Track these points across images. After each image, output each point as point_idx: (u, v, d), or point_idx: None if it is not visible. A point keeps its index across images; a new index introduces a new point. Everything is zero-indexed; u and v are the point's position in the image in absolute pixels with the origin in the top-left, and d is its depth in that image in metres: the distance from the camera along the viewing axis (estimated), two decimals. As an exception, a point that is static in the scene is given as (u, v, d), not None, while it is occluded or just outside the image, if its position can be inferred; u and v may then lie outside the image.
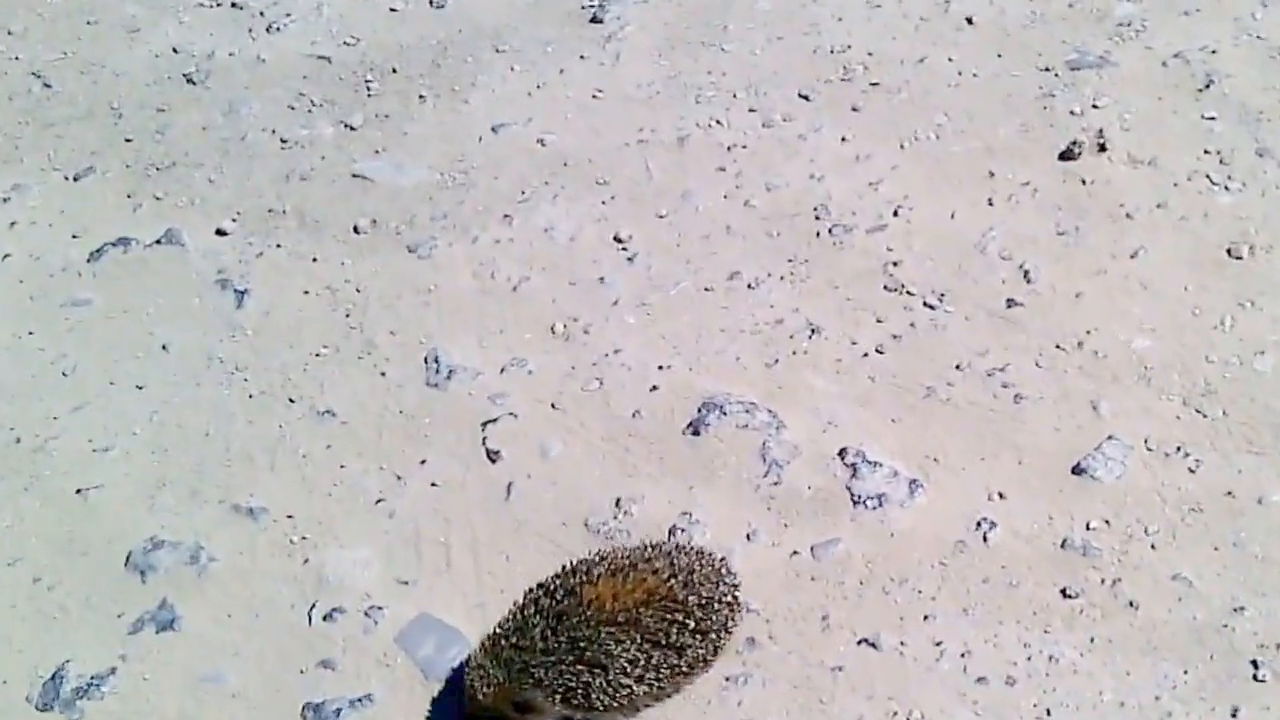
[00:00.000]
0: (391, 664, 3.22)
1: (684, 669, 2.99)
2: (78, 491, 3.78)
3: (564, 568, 3.09)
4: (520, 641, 2.95)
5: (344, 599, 3.38)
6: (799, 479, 3.53)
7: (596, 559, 3.10)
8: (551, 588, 3.02)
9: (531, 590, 3.07)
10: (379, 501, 3.63)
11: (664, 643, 2.95)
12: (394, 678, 3.19)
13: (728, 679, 3.09)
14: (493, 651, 2.96)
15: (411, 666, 3.21)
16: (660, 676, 2.96)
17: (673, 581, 3.00)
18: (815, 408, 3.74)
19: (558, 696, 2.92)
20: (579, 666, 2.91)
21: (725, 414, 3.71)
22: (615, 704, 2.94)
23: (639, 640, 2.94)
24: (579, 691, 2.91)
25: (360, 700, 3.14)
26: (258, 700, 3.19)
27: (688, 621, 2.98)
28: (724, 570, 3.11)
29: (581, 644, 2.91)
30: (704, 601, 3.02)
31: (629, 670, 2.92)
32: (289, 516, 3.62)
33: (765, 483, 3.53)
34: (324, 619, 3.34)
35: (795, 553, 3.35)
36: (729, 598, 3.08)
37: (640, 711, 3.02)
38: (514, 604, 3.05)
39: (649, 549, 3.11)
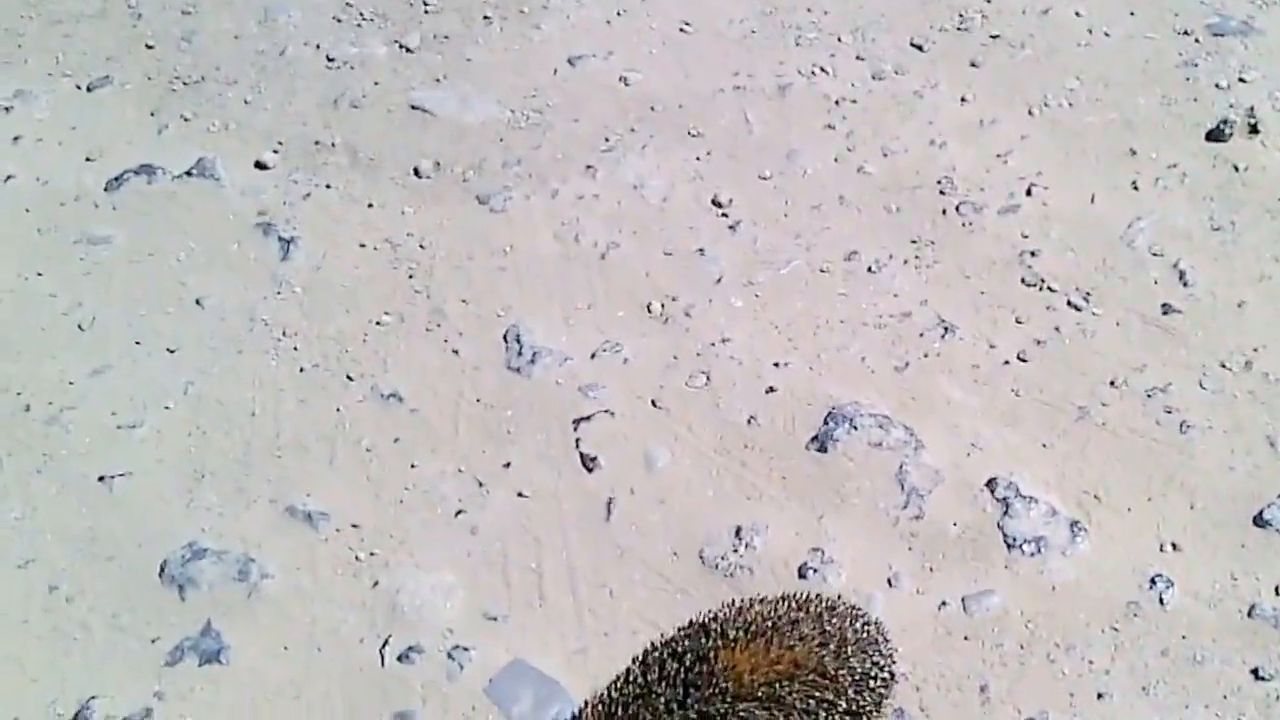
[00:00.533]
0: (482, 721, 2.71)
1: (830, 755, 2.51)
2: (100, 479, 3.20)
3: (692, 624, 2.58)
4: (642, 714, 2.44)
5: (422, 635, 2.85)
6: (943, 513, 3.02)
7: (732, 614, 2.58)
8: (679, 650, 2.51)
9: (655, 649, 2.55)
10: (459, 513, 3.08)
11: (812, 725, 2.46)
12: (486, 740, 2.69)
13: (877, 761, 2.60)
14: None
15: (506, 726, 2.70)
16: (803, 762, 2.47)
17: (823, 652, 2.49)
18: (955, 424, 3.21)
19: None
20: (710, 748, 2.41)
21: (856, 428, 3.18)
22: (748, 792, 2.45)
23: (781, 719, 2.44)
24: None
25: (448, 768, 2.64)
26: (325, 759, 2.68)
27: (838, 701, 2.48)
28: (881, 638, 2.61)
29: (716, 721, 2.41)
30: (859, 677, 2.51)
31: (767, 754, 2.43)
32: (354, 526, 3.07)
33: (905, 515, 3.02)
34: (399, 659, 2.81)
35: (944, 604, 2.85)
36: (886, 671, 2.58)
37: (776, 800, 2.52)
38: (632, 663, 2.53)
39: (793, 605, 2.59)
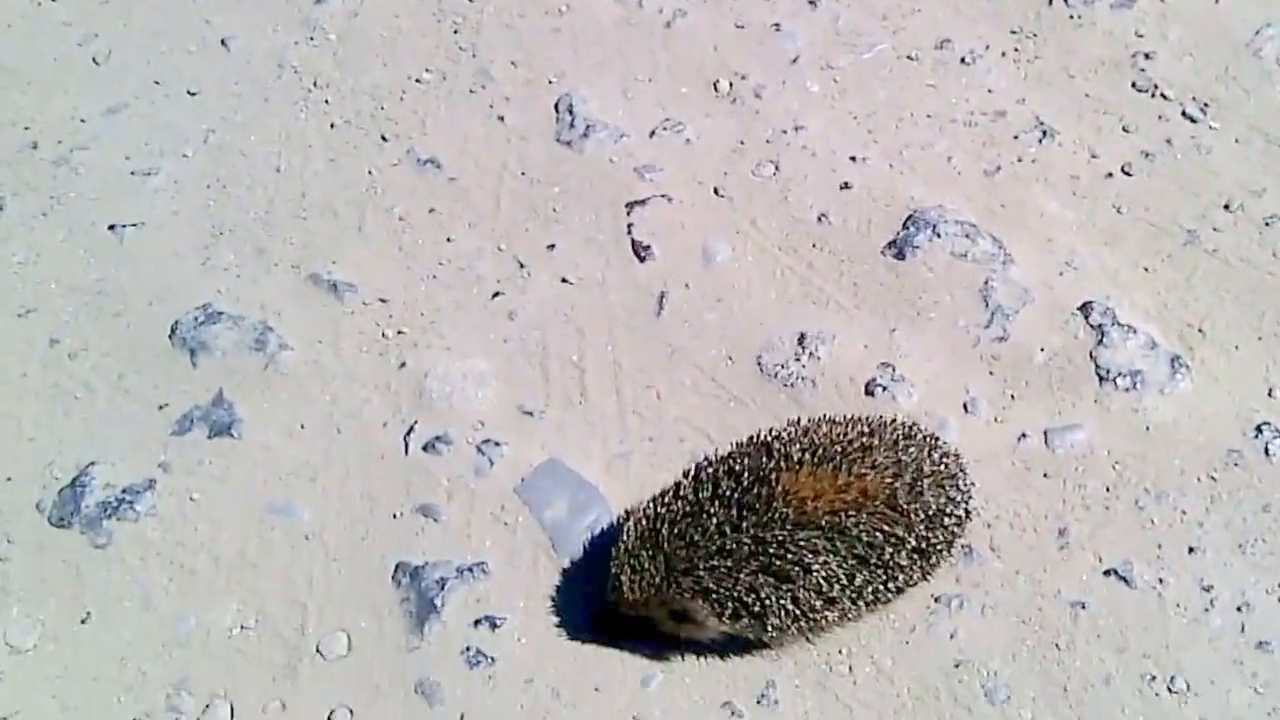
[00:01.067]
0: (510, 523, 2.45)
1: (890, 593, 2.24)
2: (111, 228, 2.88)
3: (753, 441, 2.29)
4: (690, 534, 2.16)
5: (450, 425, 2.57)
6: (1030, 336, 2.68)
7: (797, 434, 2.28)
8: (737, 468, 2.22)
9: (709, 465, 2.27)
10: (496, 295, 2.76)
11: (873, 561, 2.19)
12: (513, 543, 2.43)
13: (937, 599, 2.35)
14: (652, 540, 2.18)
15: (536, 530, 2.44)
16: (859, 600, 2.21)
17: (896, 484, 2.20)
18: (1048, 239, 2.84)
19: (726, 611, 2.17)
20: (761, 578, 2.14)
21: (938, 235, 2.81)
22: (794, 628, 2.19)
23: (843, 554, 2.17)
24: (754, 608, 2.15)
25: (470, 570, 2.39)
26: (338, 549, 2.44)
27: (907, 538, 2.20)
28: (960, 472, 2.31)
29: (770, 550, 2.13)
30: (932, 513, 2.23)
31: (822, 589, 2.16)
32: (382, 300, 2.76)
33: (987, 336, 2.68)
34: (424, 449, 2.54)
35: (1024, 436, 2.54)
36: (962, 509, 2.30)
37: (819, 635, 2.28)
38: (683, 477, 2.25)
39: (865, 430, 2.29)
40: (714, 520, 2.15)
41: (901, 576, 2.21)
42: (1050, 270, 2.77)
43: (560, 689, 2.25)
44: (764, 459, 2.21)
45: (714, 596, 2.15)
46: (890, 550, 2.18)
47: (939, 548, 2.24)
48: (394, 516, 2.46)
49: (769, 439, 2.26)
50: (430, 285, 2.76)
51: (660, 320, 2.71)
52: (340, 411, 2.59)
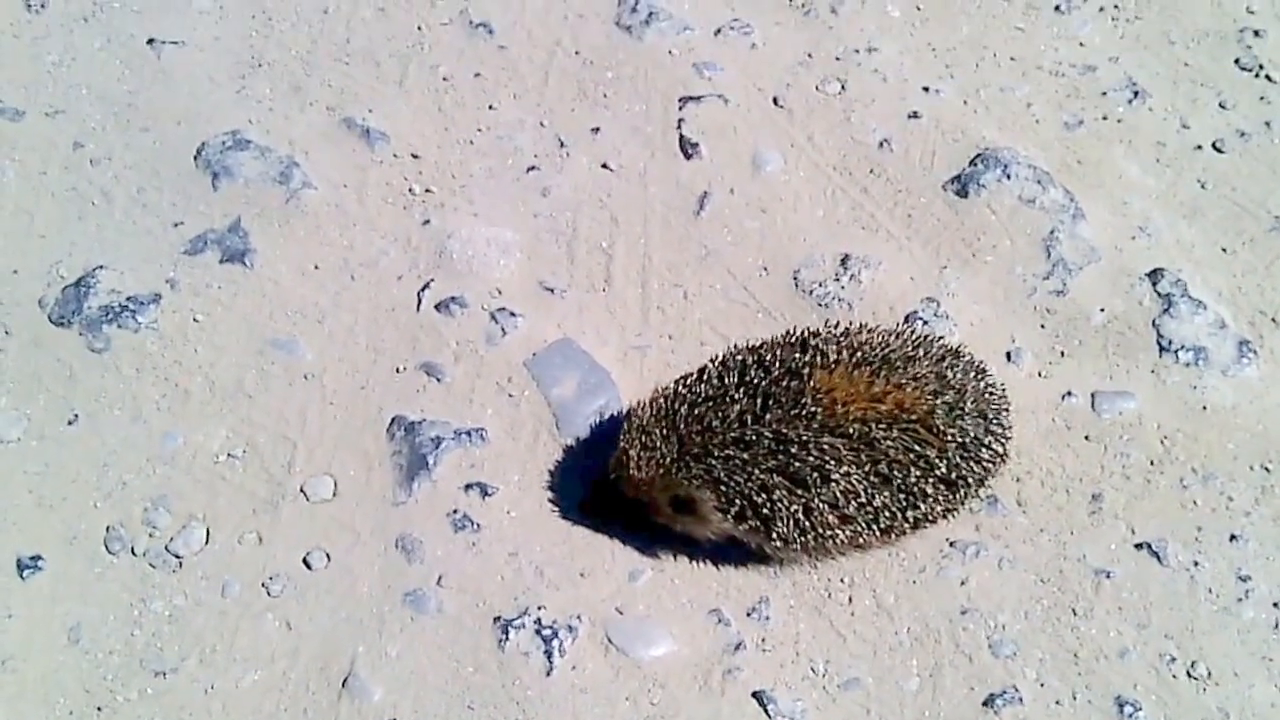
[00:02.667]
0: (515, 395, 2.32)
1: (906, 524, 2.07)
2: (150, 42, 2.76)
3: (789, 334, 2.12)
4: (709, 419, 2.03)
5: (468, 288, 2.44)
6: (1090, 295, 2.52)
7: (836, 335, 2.13)
8: (768, 359, 2.07)
9: (739, 352, 2.11)
10: (531, 170, 2.62)
11: (897, 482, 2.03)
12: (516, 415, 2.29)
13: (952, 543, 2.20)
14: (668, 419, 2.07)
15: (541, 405, 2.30)
16: (875, 524, 2.05)
17: (936, 403, 2.04)
18: (1124, 202, 2.67)
19: (732, 509, 2.02)
20: (776, 478, 2.00)
21: (1008, 177, 2.64)
22: (800, 542, 2.04)
23: (866, 468, 2.02)
24: (763, 510, 2.02)
25: (469, 434, 2.26)
26: (336, 393, 2.32)
27: (937, 463, 2.05)
28: (1005, 407, 2.15)
29: (790, 448, 2.00)
30: (969, 442, 2.09)
31: (838, 504, 2.02)
32: (414, 156, 2.62)
33: (1045, 288, 2.51)
34: (437, 308, 2.41)
35: (1069, 395, 2.38)
36: (1000, 445, 2.12)
37: (825, 558, 2.11)
38: (710, 362, 2.10)
39: (910, 342, 2.12)
40: (736, 408, 2.01)
41: (923, 507, 2.06)
42: (1122, 233, 2.60)
43: (544, 568, 2.12)
44: (798, 354, 2.06)
45: (723, 489, 2.02)
46: (917, 474, 2.03)
47: (969, 482, 2.10)
48: (397, 370, 2.32)
49: (806, 335, 2.09)
50: (466, 150, 2.62)
51: (698, 220, 2.55)
52: (356, 258, 2.45)
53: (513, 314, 2.42)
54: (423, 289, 2.44)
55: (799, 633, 2.10)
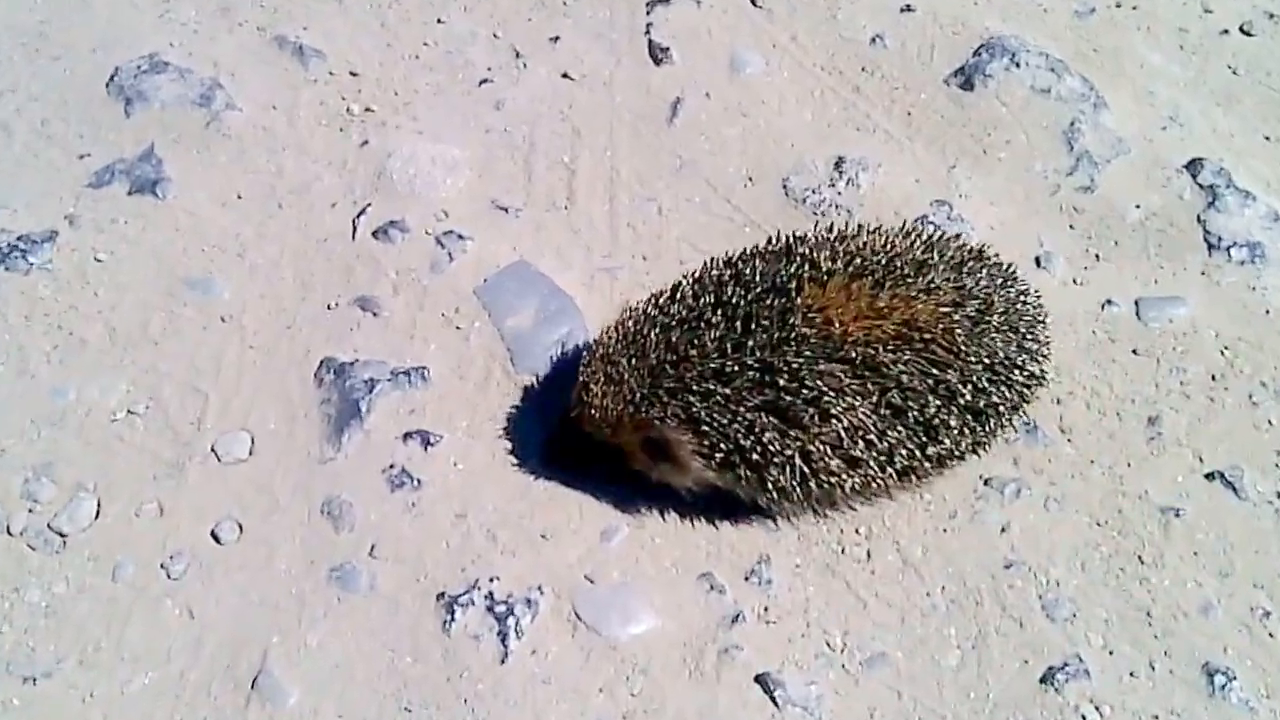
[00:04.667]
0: (464, 328, 1.64)
1: (928, 463, 1.40)
2: (65, -33, 2.06)
3: (772, 243, 1.44)
4: (683, 346, 1.35)
5: (410, 212, 1.76)
6: (1123, 190, 1.82)
7: (829, 239, 1.45)
8: (747, 273, 1.38)
9: (714, 267, 1.43)
10: (484, 83, 1.94)
11: (912, 414, 1.35)
12: (464, 350, 1.62)
13: (987, 482, 1.53)
14: (636, 347, 1.39)
15: (493, 338, 1.63)
16: (889, 465, 1.37)
17: (956, 316, 1.36)
18: (1149, 91, 1.97)
19: (716, 455, 1.35)
20: (766, 417, 1.32)
21: (1017, 65, 1.94)
22: (800, 492, 1.37)
23: (874, 400, 1.34)
24: (752, 456, 1.35)
25: (408, 375, 1.59)
26: (257, 335, 1.65)
27: (961, 390, 1.37)
28: (1039, 319, 1.46)
29: (780, 382, 1.31)
30: (997, 363, 1.39)
31: (842, 444, 1.34)
32: (353, 74, 1.94)
33: (1069, 184, 1.82)
34: (375, 235, 1.73)
35: (1110, 304, 1.70)
36: (1035, 366, 1.44)
37: (832, 506, 1.44)
38: (684, 279, 1.42)
39: (922, 243, 1.44)
40: (713, 333, 1.33)
41: (947, 442, 1.38)
42: (1150, 123, 1.91)
43: (498, 531, 1.46)
44: (783, 264, 1.37)
45: (704, 431, 1.34)
46: (936, 404, 1.35)
47: (999, 410, 1.41)
48: (328, 307, 1.65)
49: (791, 240, 1.41)
50: (410, 65, 1.94)
51: (671, 129, 1.87)
52: (285, 185, 1.78)
53: (461, 236, 1.74)
54: (359, 215, 1.75)
55: (808, 599, 1.41)
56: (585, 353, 1.41)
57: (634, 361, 1.36)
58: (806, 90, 1.95)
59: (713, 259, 1.44)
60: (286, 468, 1.52)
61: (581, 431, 1.42)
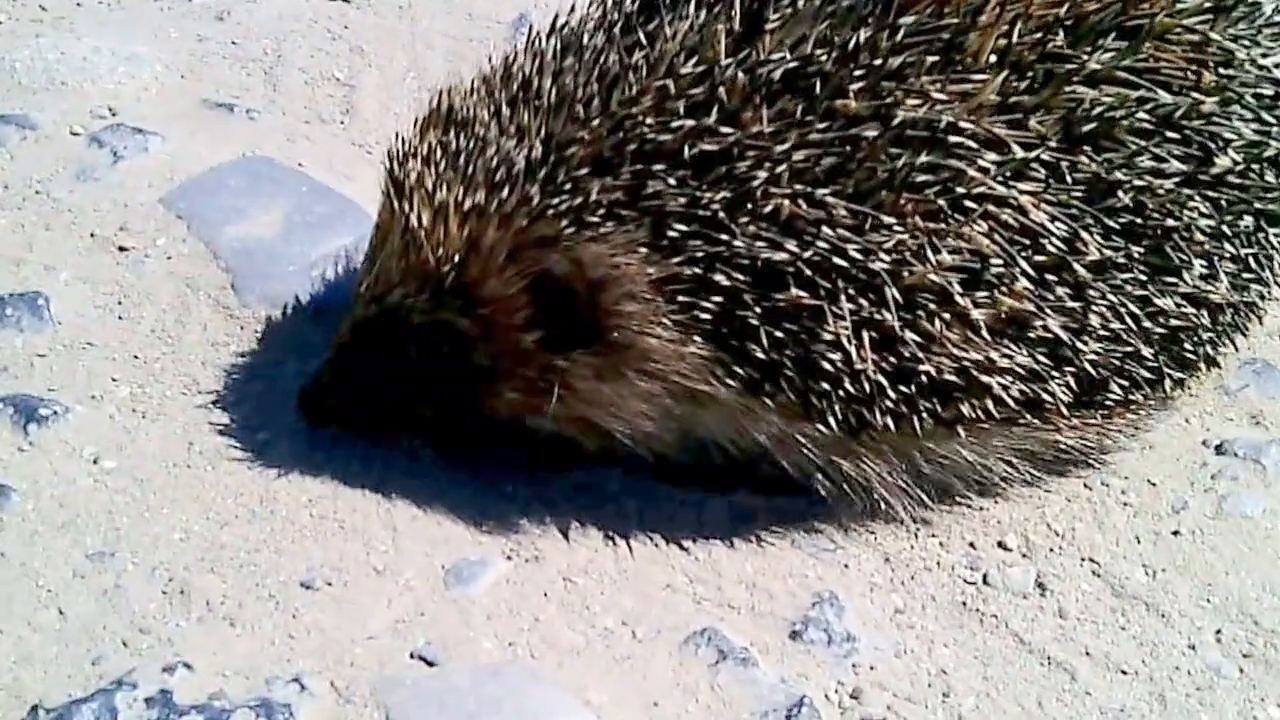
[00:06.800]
0: (136, 246, 0.89)
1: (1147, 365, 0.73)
2: None
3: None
4: (607, 93, 0.68)
5: (43, 107, 1.03)
6: None
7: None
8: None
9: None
10: (199, -1, 1.29)
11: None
12: (130, 279, 0.87)
13: (1220, 449, 0.86)
14: (519, 97, 0.72)
15: (195, 259, 0.87)
16: (1070, 366, 0.70)
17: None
18: None
19: (711, 324, 0.68)
20: (839, 233, 0.67)
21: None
22: (894, 415, 0.68)
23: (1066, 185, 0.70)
24: (800, 335, 0.67)
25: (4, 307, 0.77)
26: None
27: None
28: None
29: (848, 149, 0.66)
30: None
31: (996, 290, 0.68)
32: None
33: None
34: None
35: None
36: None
37: (957, 479, 0.72)
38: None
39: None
40: (715, 34, 0.67)
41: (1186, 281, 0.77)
42: None
43: (191, 575, 0.62)
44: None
45: (686, 259, 0.64)
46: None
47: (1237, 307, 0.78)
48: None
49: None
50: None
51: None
52: None
53: (140, 131, 1.03)
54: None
55: (942, 666, 0.65)
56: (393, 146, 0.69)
57: (512, 125, 0.65)
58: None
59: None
60: None
61: (380, 338, 0.66)
